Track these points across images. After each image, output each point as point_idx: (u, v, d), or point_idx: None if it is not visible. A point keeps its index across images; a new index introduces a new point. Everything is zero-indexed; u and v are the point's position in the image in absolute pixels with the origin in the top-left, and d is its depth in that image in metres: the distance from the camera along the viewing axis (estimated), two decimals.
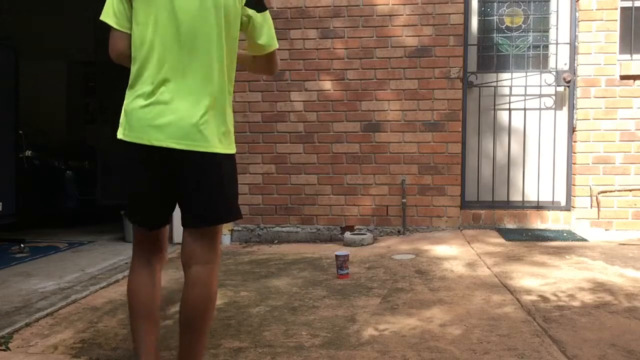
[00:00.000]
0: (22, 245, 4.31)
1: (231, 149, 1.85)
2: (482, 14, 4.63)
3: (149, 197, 1.79)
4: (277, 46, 2.01)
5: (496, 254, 3.70)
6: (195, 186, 1.75)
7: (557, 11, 4.53)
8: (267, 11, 1.97)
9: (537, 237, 4.18)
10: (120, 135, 1.75)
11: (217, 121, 1.76)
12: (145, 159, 1.72)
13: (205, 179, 1.75)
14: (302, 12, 4.53)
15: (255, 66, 2.08)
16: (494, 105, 4.59)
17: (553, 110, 4.56)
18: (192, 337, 1.79)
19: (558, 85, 4.51)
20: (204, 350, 1.86)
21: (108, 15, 1.76)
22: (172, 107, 1.69)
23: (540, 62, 4.61)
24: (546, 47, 4.60)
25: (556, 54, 4.55)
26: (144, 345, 1.80)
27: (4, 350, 2.23)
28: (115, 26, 1.76)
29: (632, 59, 4.38)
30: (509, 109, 4.60)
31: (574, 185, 4.47)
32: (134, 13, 1.73)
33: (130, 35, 1.75)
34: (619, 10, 4.36)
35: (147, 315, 1.82)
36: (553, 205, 4.55)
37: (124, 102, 1.77)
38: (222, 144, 1.78)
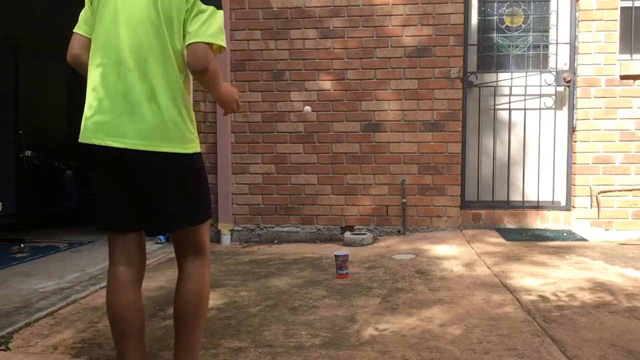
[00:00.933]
0: (22, 245, 4.31)
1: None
2: (482, 13, 4.63)
3: None
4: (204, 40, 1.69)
5: (496, 254, 3.70)
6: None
7: (557, 11, 4.53)
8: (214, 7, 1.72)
9: (537, 237, 4.18)
10: None
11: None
12: None
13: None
14: (301, 12, 4.53)
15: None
16: (494, 105, 4.59)
17: (553, 110, 4.56)
18: (184, 331, 1.81)
19: (558, 85, 4.51)
20: (197, 346, 1.86)
21: None
22: None
23: (540, 62, 4.61)
24: (546, 47, 4.60)
25: (556, 54, 4.55)
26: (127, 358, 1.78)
27: (4, 350, 2.23)
28: None
29: (632, 59, 4.38)
30: (509, 109, 4.60)
31: (574, 185, 4.47)
32: None
33: None
34: (619, 10, 4.36)
35: (131, 333, 1.78)
36: (553, 205, 4.55)
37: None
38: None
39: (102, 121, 1.71)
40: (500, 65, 4.62)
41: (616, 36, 4.37)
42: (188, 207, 1.78)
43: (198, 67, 1.69)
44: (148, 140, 1.68)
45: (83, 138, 1.75)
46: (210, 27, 1.69)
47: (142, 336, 1.82)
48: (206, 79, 1.73)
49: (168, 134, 1.71)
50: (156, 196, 1.74)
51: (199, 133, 1.93)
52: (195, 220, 1.82)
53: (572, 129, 4.49)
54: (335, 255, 3.32)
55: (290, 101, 4.58)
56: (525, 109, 4.57)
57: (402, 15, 4.46)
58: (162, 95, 1.70)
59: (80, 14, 1.86)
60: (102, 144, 1.69)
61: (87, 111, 1.77)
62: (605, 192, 4.38)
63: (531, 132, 4.58)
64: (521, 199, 4.56)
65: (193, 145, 1.79)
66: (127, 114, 1.69)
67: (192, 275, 1.82)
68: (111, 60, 1.71)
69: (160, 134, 1.69)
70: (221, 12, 1.74)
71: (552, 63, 4.57)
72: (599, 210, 4.39)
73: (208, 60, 1.69)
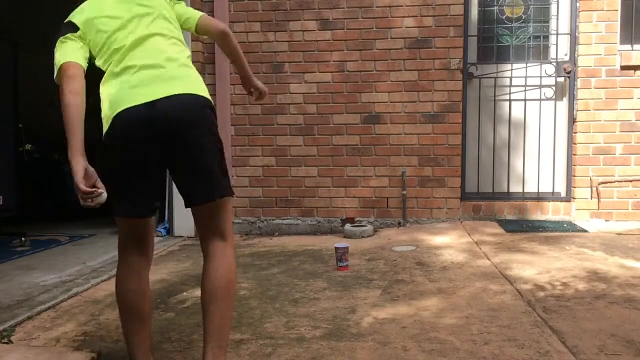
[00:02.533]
0: (23, 238, 4.32)
1: None
2: (482, 4, 4.60)
3: None
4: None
5: (496, 245, 3.71)
6: None
7: (558, 1, 4.50)
8: None
9: (537, 228, 4.18)
10: None
11: None
12: None
13: None
14: (301, 4, 4.51)
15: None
16: (494, 97, 4.58)
17: (553, 101, 4.55)
18: (218, 312, 1.77)
19: (558, 76, 4.50)
20: (229, 329, 1.84)
21: None
22: None
23: (541, 53, 4.59)
24: (546, 37, 4.59)
25: (556, 45, 4.54)
26: (137, 345, 1.85)
27: (6, 343, 2.24)
28: None
29: (632, 49, 4.36)
30: (509, 100, 4.59)
31: (574, 176, 4.47)
32: None
33: None
34: (619, 0, 4.34)
35: (139, 318, 1.86)
36: (553, 196, 4.55)
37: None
38: None
39: None
40: (500, 56, 4.61)
41: (617, 26, 4.35)
42: (219, 174, 1.82)
43: (222, 26, 2.09)
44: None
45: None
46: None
47: (148, 322, 1.89)
48: (231, 39, 2.12)
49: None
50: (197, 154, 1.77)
51: None
52: (226, 191, 1.84)
53: (572, 120, 4.49)
54: (336, 247, 3.33)
55: (290, 93, 4.57)
56: (525, 100, 4.56)
57: (402, 6, 4.44)
58: None
59: None
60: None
61: None
62: (606, 182, 4.38)
63: (531, 123, 4.57)
64: (521, 190, 4.57)
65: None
66: None
67: (221, 257, 1.82)
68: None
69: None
70: None
71: (552, 54, 4.55)
72: (599, 201, 4.39)
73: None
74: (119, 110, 1.72)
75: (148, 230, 1.89)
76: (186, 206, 1.84)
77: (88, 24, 1.84)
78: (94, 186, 1.69)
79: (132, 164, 1.76)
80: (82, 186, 1.65)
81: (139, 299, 1.85)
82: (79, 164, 1.68)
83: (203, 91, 1.83)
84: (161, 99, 1.72)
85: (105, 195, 1.69)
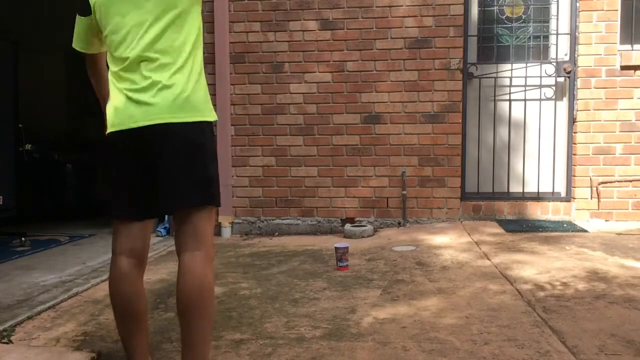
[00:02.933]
0: (23, 238, 4.32)
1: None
2: (482, 4, 4.60)
3: None
4: None
5: (496, 245, 3.71)
6: None
7: (558, 1, 4.50)
8: None
9: (537, 227, 4.18)
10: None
11: None
12: None
13: None
14: (301, 4, 4.50)
15: None
16: (494, 97, 4.58)
17: (553, 101, 4.55)
18: (185, 328, 1.77)
19: (558, 76, 4.50)
20: (202, 345, 1.79)
21: None
22: None
23: (541, 53, 4.59)
24: (546, 37, 4.59)
25: (556, 45, 4.54)
26: (134, 347, 1.86)
27: (6, 343, 2.24)
28: None
29: (632, 49, 4.36)
30: (509, 100, 4.59)
31: (574, 176, 4.47)
32: None
33: None
34: (619, 0, 4.34)
35: (134, 320, 1.86)
36: (553, 196, 4.55)
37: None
38: None
39: None
40: (500, 56, 4.61)
41: (617, 26, 4.35)
42: (188, 184, 1.77)
43: None
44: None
45: None
46: None
47: (144, 324, 1.89)
48: None
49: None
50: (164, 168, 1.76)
51: None
52: (194, 200, 1.77)
53: (572, 120, 4.48)
54: (335, 247, 3.33)
55: (290, 93, 4.57)
56: (525, 100, 4.56)
57: (402, 6, 4.44)
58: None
59: None
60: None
61: None
62: (606, 182, 4.38)
63: (531, 123, 4.57)
64: (521, 190, 4.57)
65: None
66: None
67: (190, 268, 1.77)
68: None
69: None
70: None
71: (552, 54, 4.55)
72: (599, 201, 4.39)
73: None
74: None
75: (142, 232, 1.88)
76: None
77: None
78: None
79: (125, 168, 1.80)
80: None
81: (133, 302, 1.84)
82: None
83: None
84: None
85: None
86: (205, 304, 1.77)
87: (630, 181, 4.37)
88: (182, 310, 1.78)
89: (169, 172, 1.75)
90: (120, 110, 1.77)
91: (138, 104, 1.75)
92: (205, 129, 1.81)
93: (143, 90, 1.74)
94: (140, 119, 1.74)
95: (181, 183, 1.75)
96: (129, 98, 1.76)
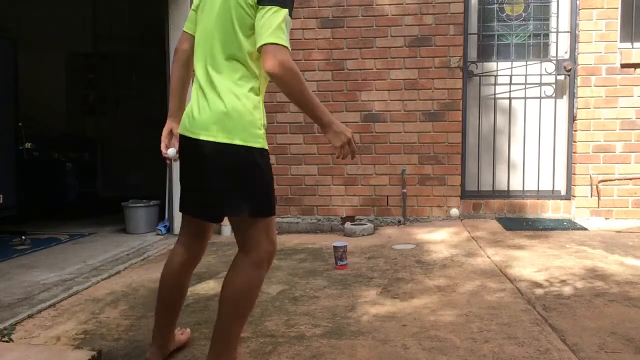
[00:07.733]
0: (23, 237, 4.32)
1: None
2: (482, 2, 4.59)
3: None
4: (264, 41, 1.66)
5: (496, 243, 3.71)
6: None
7: None
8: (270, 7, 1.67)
9: (537, 226, 4.18)
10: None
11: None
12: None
13: None
14: (301, 2, 4.50)
15: None
16: (494, 95, 4.58)
17: (553, 99, 4.54)
18: (217, 323, 1.82)
19: (558, 74, 4.50)
20: (223, 340, 1.82)
21: None
22: None
23: (541, 51, 4.59)
24: (546, 35, 4.58)
25: (557, 43, 4.53)
26: (160, 326, 2.00)
27: (6, 341, 2.24)
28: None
29: (632, 47, 4.36)
30: (509, 98, 4.58)
31: (574, 174, 4.47)
32: None
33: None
34: None
35: (168, 306, 1.99)
36: (553, 195, 4.55)
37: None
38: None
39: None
40: (500, 54, 4.60)
41: (617, 24, 4.34)
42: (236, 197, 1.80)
43: (266, 69, 1.65)
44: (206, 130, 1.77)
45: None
46: (269, 27, 1.63)
47: (177, 313, 2.04)
48: (279, 82, 1.66)
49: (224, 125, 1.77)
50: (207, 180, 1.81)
51: None
52: (237, 210, 1.79)
53: (572, 118, 4.48)
54: (334, 246, 3.33)
55: None
56: (525, 98, 4.55)
57: (401, 4, 4.44)
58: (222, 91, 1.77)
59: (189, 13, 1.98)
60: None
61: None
62: (606, 181, 4.38)
63: (531, 122, 4.57)
64: (521, 189, 4.57)
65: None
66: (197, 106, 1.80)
67: (234, 270, 1.81)
68: (199, 58, 1.83)
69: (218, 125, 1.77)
70: (284, 10, 1.66)
71: (552, 52, 4.55)
72: (599, 199, 4.39)
73: (274, 62, 1.61)
74: None
75: (199, 230, 1.97)
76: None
77: None
78: (167, 146, 1.98)
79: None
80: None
81: (175, 291, 1.97)
82: (165, 127, 2.02)
83: None
84: None
85: (171, 153, 1.96)
86: (238, 308, 1.80)
87: (631, 179, 4.37)
88: (220, 301, 1.83)
89: (216, 184, 1.79)
90: None
91: None
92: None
93: None
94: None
95: (226, 194, 1.78)
96: None
